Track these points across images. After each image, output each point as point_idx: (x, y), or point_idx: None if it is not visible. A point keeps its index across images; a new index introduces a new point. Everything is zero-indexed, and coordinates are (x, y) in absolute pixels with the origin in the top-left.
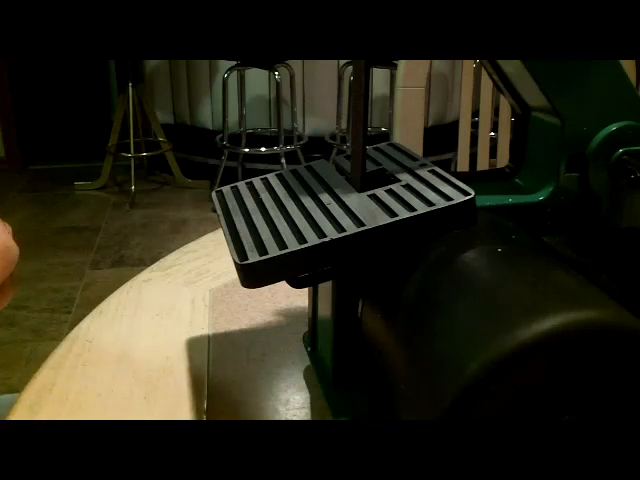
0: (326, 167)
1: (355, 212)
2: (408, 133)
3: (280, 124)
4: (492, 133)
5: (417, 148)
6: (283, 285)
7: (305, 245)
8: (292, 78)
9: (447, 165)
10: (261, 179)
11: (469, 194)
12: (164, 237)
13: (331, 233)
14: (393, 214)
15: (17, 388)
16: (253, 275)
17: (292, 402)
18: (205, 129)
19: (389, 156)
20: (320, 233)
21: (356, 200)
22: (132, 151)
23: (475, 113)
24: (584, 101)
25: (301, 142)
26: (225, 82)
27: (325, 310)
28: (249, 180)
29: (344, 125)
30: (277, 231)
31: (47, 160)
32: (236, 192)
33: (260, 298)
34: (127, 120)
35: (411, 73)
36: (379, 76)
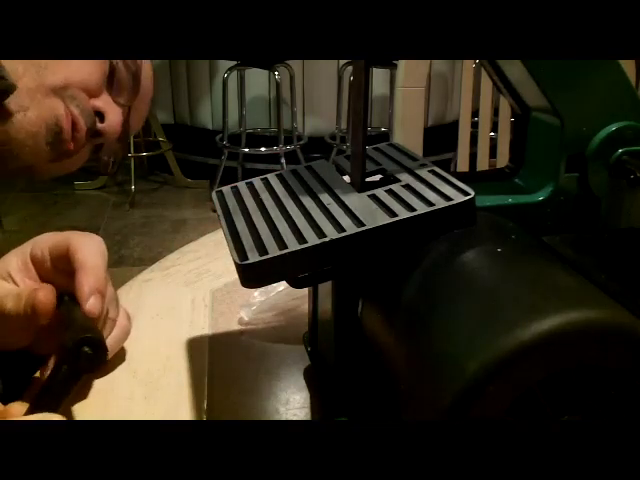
0: (326, 167)
1: (355, 212)
2: (408, 133)
3: (280, 124)
4: (492, 133)
5: (417, 148)
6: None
7: (305, 245)
8: (292, 78)
9: (447, 165)
10: (261, 179)
11: (469, 194)
12: (164, 237)
13: (331, 233)
14: (393, 214)
15: None
16: (253, 275)
17: (292, 402)
18: (205, 129)
19: (389, 156)
20: (320, 233)
21: (356, 200)
22: (132, 151)
23: (475, 113)
24: (584, 101)
25: (301, 142)
26: (225, 82)
27: (325, 310)
28: (249, 180)
29: (344, 125)
30: (277, 231)
31: None
32: (236, 192)
33: (260, 298)
34: None
35: (411, 73)
36: (379, 76)
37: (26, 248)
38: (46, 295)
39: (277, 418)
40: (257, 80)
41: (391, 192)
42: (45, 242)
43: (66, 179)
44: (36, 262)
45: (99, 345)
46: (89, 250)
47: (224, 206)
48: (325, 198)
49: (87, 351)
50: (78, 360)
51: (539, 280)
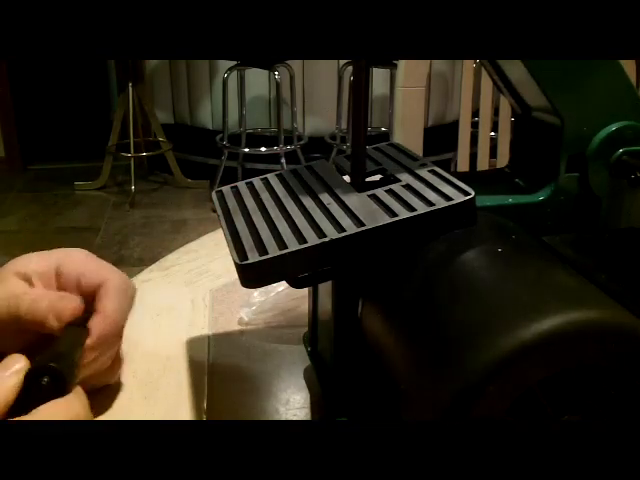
0: (326, 167)
1: (355, 212)
2: (408, 133)
3: (280, 124)
4: (492, 133)
5: (417, 148)
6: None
7: (305, 245)
8: (292, 78)
9: (447, 165)
10: (261, 179)
11: (469, 194)
12: (164, 237)
13: (331, 233)
14: (393, 214)
15: None
16: (253, 275)
17: (292, 402)
18: (205, 129)
19: (389, 156)
20: (320, 233)
21: (356, 200)
22: (132, 151)
23: (475, 113)
24: (584, 101)
25: (301, 142)
26: (225, 82)
27: (325, 310)
28: (249, 180)
29: (344, 125)
30: (277, 231)
31: (47, 160)
32: (236, 192)
33: (260, 298)
34: (127, 120)
35: (411, 73)
36: (379, 76)
37: (52, 259)
38: (72, 304)
39: (277, 418)
40: (257, 80)
41: (391, 192)
42: (76, 269)
43: (66, 179)
44: (60, 281)
45: (60, 377)
46: (117, 300)
47: (224, 206)
48: (325, 198)
49: (46, 381)
50: (34, 387)
51: (539, 280)
